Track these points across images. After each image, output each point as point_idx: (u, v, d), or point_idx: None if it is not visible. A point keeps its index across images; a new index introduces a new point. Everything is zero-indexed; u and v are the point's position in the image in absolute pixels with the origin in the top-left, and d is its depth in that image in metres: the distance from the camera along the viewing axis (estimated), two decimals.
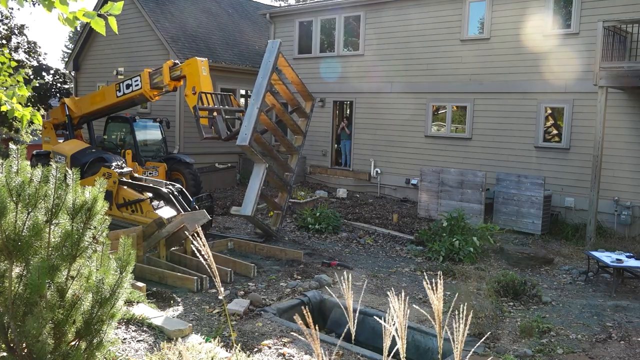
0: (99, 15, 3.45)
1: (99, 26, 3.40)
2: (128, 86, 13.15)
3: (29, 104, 17.91)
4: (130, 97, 13.24)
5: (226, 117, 12.19)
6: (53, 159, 13.18)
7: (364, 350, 6.31)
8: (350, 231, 12.81)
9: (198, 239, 3.38)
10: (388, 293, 2.80)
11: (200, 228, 3.62)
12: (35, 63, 26.48)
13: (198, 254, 3.42)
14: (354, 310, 2.89)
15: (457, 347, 2.62)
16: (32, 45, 26.06)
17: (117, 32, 3.93)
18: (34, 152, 14.72)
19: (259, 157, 11.03)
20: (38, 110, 21.99)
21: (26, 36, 25.13)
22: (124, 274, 3.45)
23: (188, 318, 6.87)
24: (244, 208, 10.97)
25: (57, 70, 27.08)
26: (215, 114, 11.70)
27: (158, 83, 12.63)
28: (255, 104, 10.76)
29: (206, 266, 3.35)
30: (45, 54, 28.85)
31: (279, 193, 12.50)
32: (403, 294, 2.82)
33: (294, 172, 12.38)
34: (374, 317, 7.55)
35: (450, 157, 15.09)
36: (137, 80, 12.96)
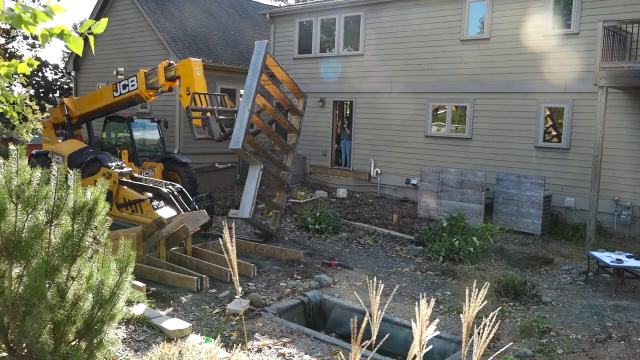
0: (81, 34, 3.23)
1: (75, 46, 3.14)
2: (125, 86, 13.16)
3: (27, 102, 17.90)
4: (127, 97, 13.26)
5: (222, 117, 12.20)
6: (51, 158, 13.18)
7: (364, 350, 6.30)
8: (350, 231, 12.81)
9: (227, 231, 3.48)
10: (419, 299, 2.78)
11: (232, 226, 3.70)
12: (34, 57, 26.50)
13: (224, 247, 3.53)
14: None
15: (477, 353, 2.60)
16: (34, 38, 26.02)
17: (94, 54, 3.73)
18: (33, 152, 14.72)
19: (253, 159, 11.03)
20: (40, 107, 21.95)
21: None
22: (124, 275, 3.45)
23: (188, 318, 6.87)
24: (241, 210, 10.97)
25: (56, 66, 27.05)
26: (208, 114, 11.69)
27: (153, 83, 12.63)
28: (246, 106, 10.74)
29: (227, 261, 3.48)
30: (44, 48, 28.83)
31: (276, 193, 12.51)
32: (432, 301, 2.81)
33: (290, 171, 12.40)
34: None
35: (450, 157, 15.09)
36: (133, 81, 12.98)
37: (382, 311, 2.71)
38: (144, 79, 12.72)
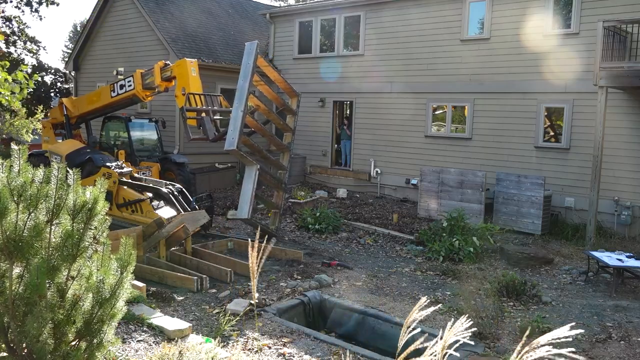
0: None
1: None
2: (122, 87, 13.17)
3: (25, 104, 17.97)
4: (124, 97, 13.27)
5: (220, 117, 12.21)
6: (50, 158, 13.19)
7: (364, 350, 6.31)
8: (350, 231, 12.81)
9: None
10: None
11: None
12: (34, 61, 26.49)
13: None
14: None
15: None
16: (32, 39, 25.98)
17: None
18: (32, 151, 14.72)
19: (249, 160, 11.03)
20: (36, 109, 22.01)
21: (27, 35, 25.06)
22: (124, 275, 3.45)
23: (188, 318, 6.86)
24: (239, 211, 10.97)
25: (57, 70, 27.06)
26: (203, 114, 11.69)
27: (150, 84, 12.63)
28: (239, 107, 10.73)
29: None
30: (45, 48, 28.84)
31: (274, 192, 12.52)
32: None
33: (287, 170, 12.41)
34: (374, 317, 7.57)
35: (450, 157, 15.09)
36: (130, 81, 12.98)
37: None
38: (140, 80, 12.74)
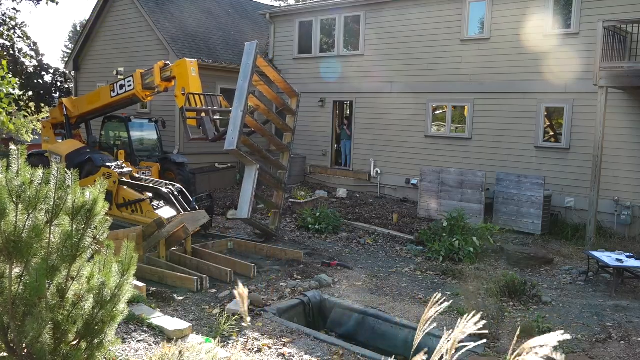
0: None
1: None
2: (122, 87, 13.17)
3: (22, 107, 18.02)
4: (124, 97, 13.27)
5: (220, 117, 12.21)
6: (50, 158, 13.20)
7: (364, 350, 6.31)
8: (350, 231, 12.81)
9: None
10: None
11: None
12: (35, 63, 26.50)
13: None
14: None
15: None
16: (34, 44, 26.02)
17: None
18: (32, 151, 14.71)
19: (249, 160, 11.04)
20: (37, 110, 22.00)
21: (28, 38, 25.06)
22: (126, 277, 3.45)
23: (188, 318, 6.87)
24: (239, 211, 10.97)
25: (56, 70, 27.07)
26: (203, 114, 11.69)
27: (150, 84, 12.63)
28: (239, 107, 10.72)
29: None
30: (43, 55, 28.77)
31: (274, 192, 12.53)
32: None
33: (287, 170, 12.42)
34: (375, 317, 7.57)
35: (450, 157, 15.09)
36: (129, 81, 12.98)
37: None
38: (140, 80, 12.74)
